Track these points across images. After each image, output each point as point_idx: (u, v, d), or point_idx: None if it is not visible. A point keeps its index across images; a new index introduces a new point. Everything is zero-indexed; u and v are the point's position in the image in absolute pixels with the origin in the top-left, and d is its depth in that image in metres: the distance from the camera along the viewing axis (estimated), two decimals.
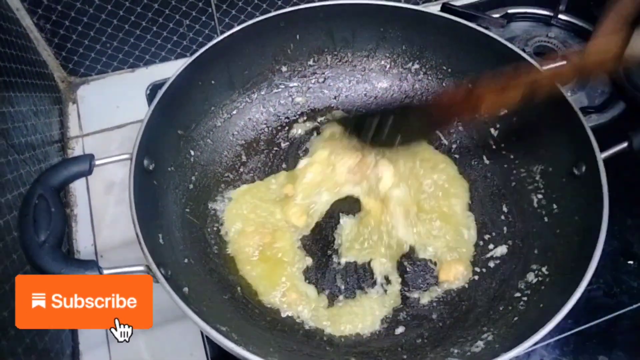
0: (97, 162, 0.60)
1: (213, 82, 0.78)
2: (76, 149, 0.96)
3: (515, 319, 0.61)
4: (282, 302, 0.68)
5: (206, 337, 0.69)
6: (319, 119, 0.88)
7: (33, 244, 0.51)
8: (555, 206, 0.69)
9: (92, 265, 0.52)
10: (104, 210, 0.88)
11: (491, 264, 0.71)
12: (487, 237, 0.74)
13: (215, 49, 0.74)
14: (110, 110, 1.00)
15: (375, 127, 0.74)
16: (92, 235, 0.85)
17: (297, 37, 0.83)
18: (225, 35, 0.75)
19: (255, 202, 0.77)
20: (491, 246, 0.73)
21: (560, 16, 1.03)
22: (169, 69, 0.71)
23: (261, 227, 0.74)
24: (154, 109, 0.65)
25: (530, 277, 0.66)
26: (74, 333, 0.76)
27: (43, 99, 0.92)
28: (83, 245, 0.84)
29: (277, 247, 0.72)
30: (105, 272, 0.53)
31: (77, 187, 0.90)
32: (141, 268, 0.54)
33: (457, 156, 0.82)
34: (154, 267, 0.54)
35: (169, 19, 0.98)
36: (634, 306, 0.71)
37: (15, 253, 0.64)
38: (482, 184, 0.79)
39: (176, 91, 0.70)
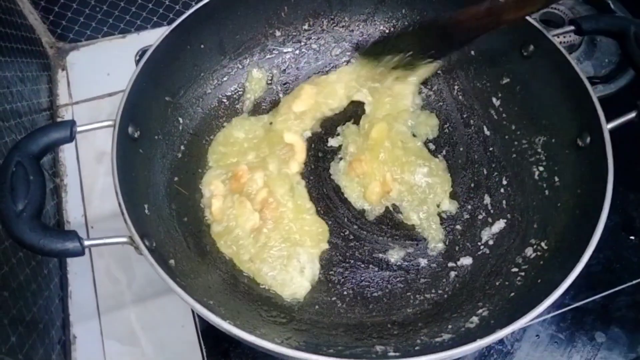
0: (78, 129, 0.57)
1: (202, 46, 0.75)
2: (66, 117, 0.94)
3: (512, 294, 0.60)
4: None
5: None
6: None
7: (10, 214, 0.49)
8: (557, 179, 0.67)
9: (72, 236, 0.50)
10: (95, 180, 0.86)
11: (490, 241, 0.69)
12: (483, 213, 0.72)
13: (204, 10, 0.70)
14: (101, 77, 0.97)
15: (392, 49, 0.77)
16: (82, 205, 0.84)
17: None
18: None
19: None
20: (490, 220, 0.71)
21: None
22: None
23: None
24: (138, 75, 0.63)
25: (529, 251, 0.64)
26: (64, 304, 0.75)
27: (30, 65, 0.89)
28: (73, 216, 0.83)
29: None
30: (86, 242, 0.51)
31: (67, 157, 0.88)
32: (124, 239, 0.52)
33: None
34: (137, 238, 0.52)
35: None
36: (634, 282, 0.69)
37: None
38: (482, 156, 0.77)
39: (163, 56, 0.67)
